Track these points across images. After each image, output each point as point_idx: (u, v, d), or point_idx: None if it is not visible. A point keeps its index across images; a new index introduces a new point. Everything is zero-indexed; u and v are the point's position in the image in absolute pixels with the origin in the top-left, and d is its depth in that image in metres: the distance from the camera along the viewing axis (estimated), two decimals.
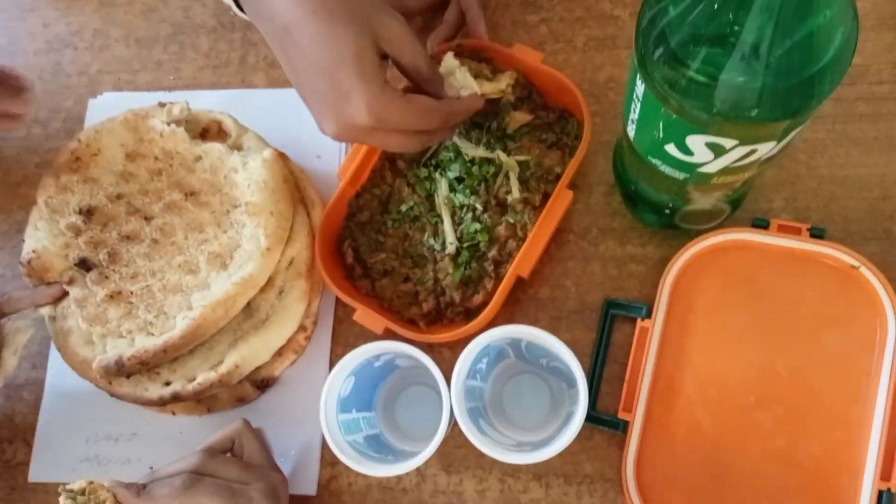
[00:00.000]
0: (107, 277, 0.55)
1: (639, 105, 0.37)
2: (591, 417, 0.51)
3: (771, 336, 0.50)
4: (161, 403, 0.53)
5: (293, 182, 0.57)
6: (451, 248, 0.53)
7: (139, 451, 0.57)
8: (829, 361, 0.49)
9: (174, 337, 0.51)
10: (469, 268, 0.52)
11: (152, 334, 0.52)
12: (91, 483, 0.43)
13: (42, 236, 0.56)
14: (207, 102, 0.60)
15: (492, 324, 0.47)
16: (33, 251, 0.55)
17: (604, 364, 0.52)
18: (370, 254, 0.55)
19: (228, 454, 0.49)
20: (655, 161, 0.41)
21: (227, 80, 0.64)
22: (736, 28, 0.29)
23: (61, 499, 0.43)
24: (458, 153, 0.54)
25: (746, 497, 0.48)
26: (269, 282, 0.53)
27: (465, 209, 0.53)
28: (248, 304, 0.53)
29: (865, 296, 0.49)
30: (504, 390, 0.53)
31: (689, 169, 0.39)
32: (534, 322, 0.55)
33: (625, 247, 0.55)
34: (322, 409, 0.45)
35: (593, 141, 0.57)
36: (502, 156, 0.53)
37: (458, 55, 0.49)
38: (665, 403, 0.50)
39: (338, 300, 0.57)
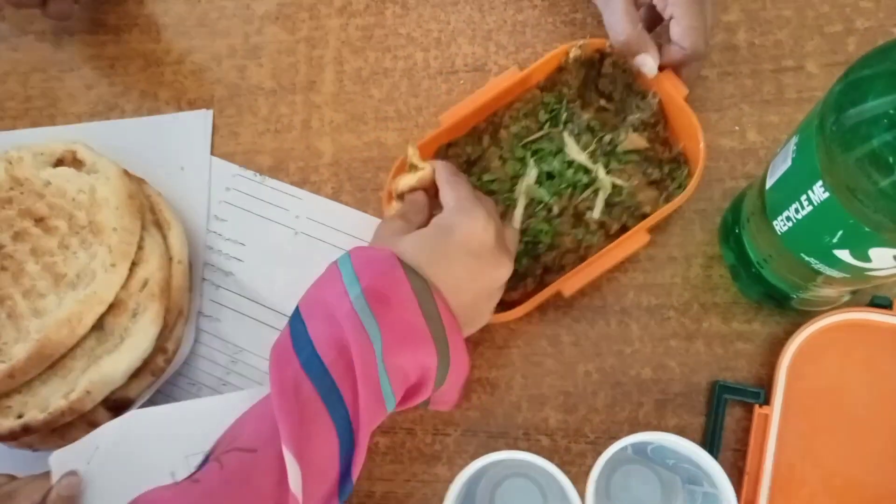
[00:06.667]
0: None
1: (809, 209, 0.35)
2: None
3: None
4: (13, 437, 0.51)
5: (144, 202, 0.57)
6: None
7: None
8: None
9: (20, 360, 0.50)
10: (519, 262, 0.51)
11: (3, 361, 0.51)
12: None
13: None
14: (73, 135, 0.60)
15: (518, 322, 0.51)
16: None
17: (717, 453, 0.50)
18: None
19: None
20: (811, 259, 0.38)
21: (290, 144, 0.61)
22: None
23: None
24: (560, 150, 0.53)
25: None
26: (122, 305, 0.53)
27: (541, 206, 0.53)
28: (102, 328, 0.53)
29: None
30: (611, 481, 0.50)
31: (855, 272, 0.37)
32: (637, 406, 0.52)
33: (730, 323, 0.52)
34: None
35: (688, 210, 0.55)
36: (601, 172, 0.52)
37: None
38: (787, 495, 0.47)
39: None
